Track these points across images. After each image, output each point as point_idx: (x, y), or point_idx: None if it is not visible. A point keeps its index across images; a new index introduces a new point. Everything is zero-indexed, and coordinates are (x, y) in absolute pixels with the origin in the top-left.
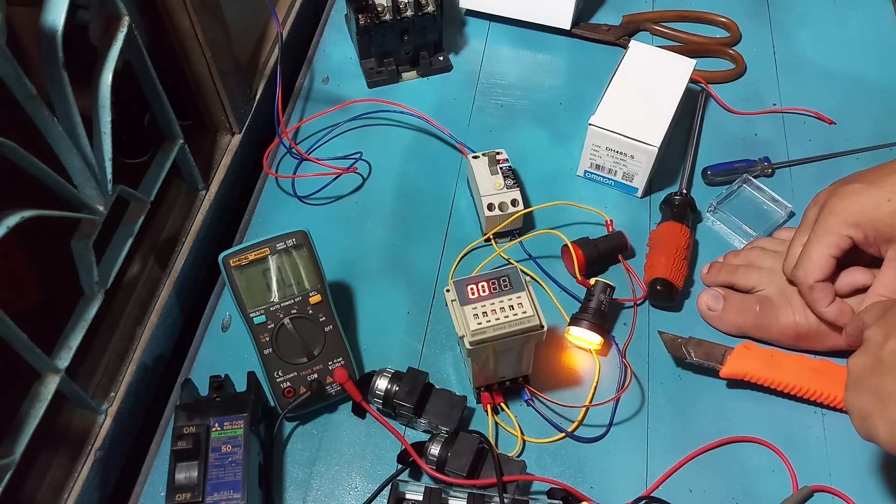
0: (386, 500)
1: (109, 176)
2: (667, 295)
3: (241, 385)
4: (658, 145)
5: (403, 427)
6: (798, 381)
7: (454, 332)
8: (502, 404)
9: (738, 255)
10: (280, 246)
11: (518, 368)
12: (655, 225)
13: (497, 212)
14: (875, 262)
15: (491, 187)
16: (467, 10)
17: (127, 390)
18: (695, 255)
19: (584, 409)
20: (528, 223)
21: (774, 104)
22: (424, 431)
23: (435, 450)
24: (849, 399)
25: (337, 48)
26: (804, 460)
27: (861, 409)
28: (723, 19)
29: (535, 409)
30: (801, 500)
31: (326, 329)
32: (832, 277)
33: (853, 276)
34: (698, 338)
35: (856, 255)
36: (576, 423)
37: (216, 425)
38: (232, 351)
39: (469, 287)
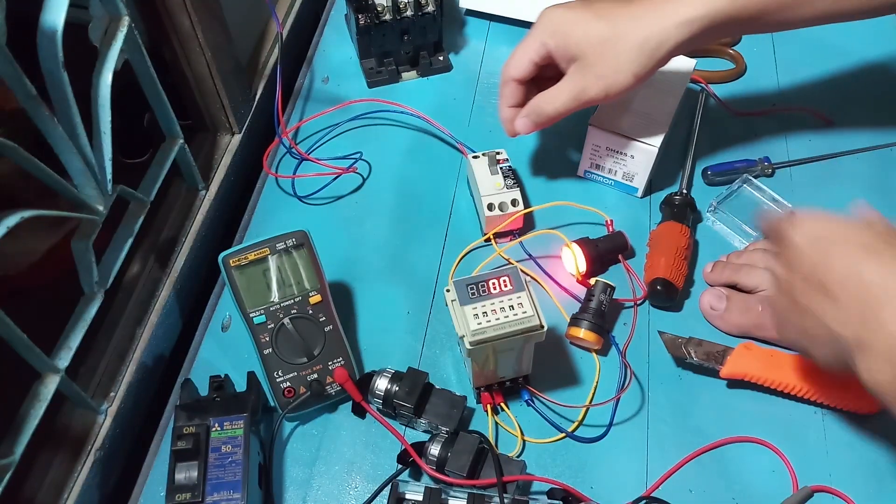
0: (386, 500)
1: (109, 176)
2: (667, 295)
3: (241, 385)
4: (658, 145)
5: (403, 427)
6: (798, 381)
7: (454, 332)
8: (502, 404)
9: (740, 255)
10: (280, 246)
11: (518, 368)
12: (655, 225)
13: (497, 212)
14: None
15: (491, 187)
16: (467, 10)
17: (127, 390)
18: (695, 255)
19: (584, 409)
20: (528, 223)
21: (774, 104)
22: (424, 431)
23: (435, 450)
24: (782, 336)
25: (337, 48)
26: (804, 460)
27: (796, 346)
28: None
29: (535, 409)
30: (801, 500)
31: (326, 329)
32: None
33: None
34: (698, 338)
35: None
36: (576, 423)
37: (216, 425)
38: (232, 351)
39: (469, 287)
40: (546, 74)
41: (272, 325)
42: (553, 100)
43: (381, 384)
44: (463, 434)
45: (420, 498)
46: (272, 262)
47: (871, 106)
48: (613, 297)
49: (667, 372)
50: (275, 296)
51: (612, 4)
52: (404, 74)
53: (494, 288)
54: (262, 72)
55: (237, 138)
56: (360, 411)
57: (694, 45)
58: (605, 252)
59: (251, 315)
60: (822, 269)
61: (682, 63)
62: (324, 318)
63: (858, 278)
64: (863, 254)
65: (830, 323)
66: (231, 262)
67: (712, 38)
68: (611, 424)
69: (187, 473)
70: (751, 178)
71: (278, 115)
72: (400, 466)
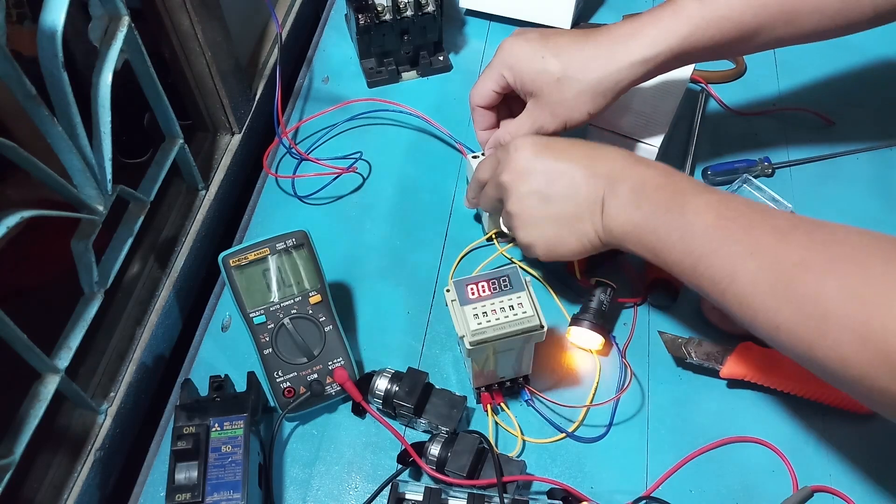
0: (386, 500)
1: (109, 176)
2: (667, 295)
3: (241, 385)
4: (658, 145)
5: (403, 427)
6: (798, 381)
7: (454, 332)
8: (502, 404)
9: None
10: (280, 246)
11: (518, 368)
12: None
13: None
14: None
15: None
16: (467, 10)
17: (127, 390)
18: None
19: (584, 409)
20: None
21: (774, 104)
22: (424, 431)
23: (435, 450)
24: (527, 236)
25: (337, 48)
26: (804, 460)
27: (550, 241)
28: None
29: (535, 409)
30: (801, 500)
31: (326, 329)
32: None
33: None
34: (698, 338)
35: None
36: (576, 424)
37: (216, 425)
38: (232, 351)
39: (469, 287)
40: (514, 94)
41: (272, 325)
42: (516, 133)
43: (381, 384)
44: (463, 434)
45: (420, 498)
46: (272, 262)
47: (872, 106)
48: (614, 297)
49: (667, 372)
50: (275, 296)
51: (569, 41)
52: (404, 74)
53: (494, 288)
54: (262, 72)
55: (237, 138)
56: (360, 411)
57: (649, 78)
58: (605, 252)
59: (251, 315)
60: (564, 155)
61: None
62: (323, 318)
63: (595, 157)
64: (582, 148)
65: (585, 185)
66: (231, 262)
67: (669, 70)
68: (611, 424)
69: (187, 473)
70: (751, 178)
71: (278, 115)
72: (400, 466)
